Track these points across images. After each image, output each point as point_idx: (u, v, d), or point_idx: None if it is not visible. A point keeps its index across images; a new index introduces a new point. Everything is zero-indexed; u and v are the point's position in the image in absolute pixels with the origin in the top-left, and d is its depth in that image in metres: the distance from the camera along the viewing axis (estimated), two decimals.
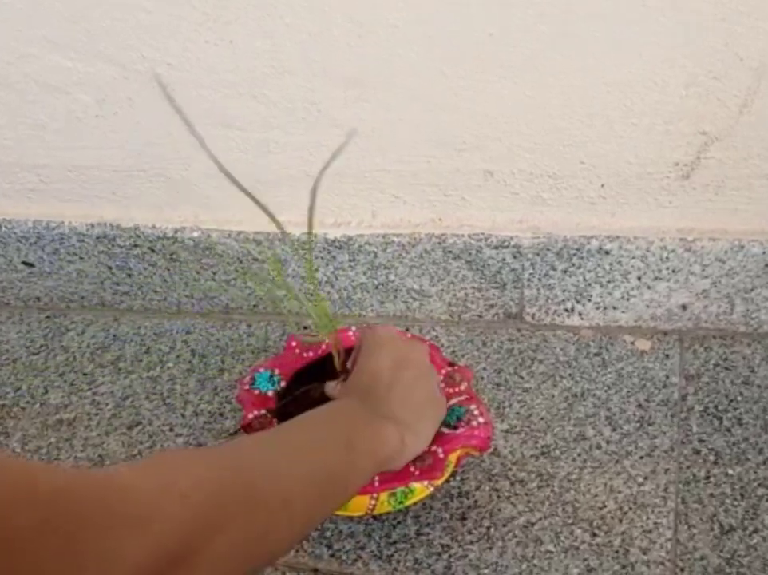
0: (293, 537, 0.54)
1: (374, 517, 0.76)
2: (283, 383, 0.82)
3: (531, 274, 0.94)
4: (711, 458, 0.79)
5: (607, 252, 0.91)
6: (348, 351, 0.79)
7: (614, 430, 0.83)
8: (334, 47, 0.86)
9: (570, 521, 0.75)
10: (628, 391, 0.88)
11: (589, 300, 0.95)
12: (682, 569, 0.70)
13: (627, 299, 0.94)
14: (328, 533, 0.76)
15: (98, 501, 0.39)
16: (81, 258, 1.05)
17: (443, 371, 0.81)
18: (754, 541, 0.72)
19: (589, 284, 0.93)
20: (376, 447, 0.64)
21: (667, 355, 0.92)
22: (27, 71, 0.94)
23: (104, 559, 0.38)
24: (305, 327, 1.01)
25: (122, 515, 0.39)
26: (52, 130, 0.98)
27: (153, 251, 1.02)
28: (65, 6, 0.88)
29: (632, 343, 0.94)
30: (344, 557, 0.74)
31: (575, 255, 0.92)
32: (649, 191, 0.89)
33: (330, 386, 0.76)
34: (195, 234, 1.00)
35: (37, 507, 0.36)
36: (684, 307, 0.93)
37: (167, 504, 0.42)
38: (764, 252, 0.88)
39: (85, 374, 0.98)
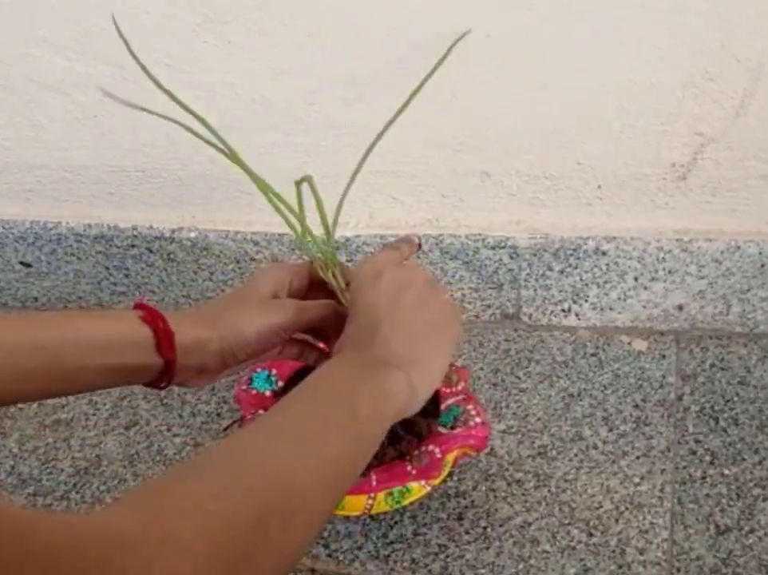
0: (310, 538, 0.50)
1: (372, 517, 0.76)
2: (280, 383, 0.82)
3: (528, 274, 0.94)
4: (707, 458, 0.80)
5: (603, 253, 0.91)
6: None
7: (610, 430, 0.84)
8: (332, 48, 0.86)
9: (567, 521, 0.75)
10: (625, 391, 0.88)
11: (586, 301, 0.95)
12: (678, 569, 0.70)
13: (624, 300, 0.94)
14: (325, 533, 0.76)
15: (100, 559, 0.37)
16: (79, 258, 1.05)
17: None
18: (750, 541, 0.72)
19: (586, 285, 0.94)
20: (382, 406, 0.57)
21: (664, 356, 0.92)
22: (25, 71, 0.94)
23: None
24: None
25: (124, 571, 0.37)
26: (50, 131, 0.98)
27: (151, 251, 1.03)
28: (64, 7, 0.88)
29: (629, 343, 0.94)
30: (341, 557, 0.74)
31: (572, 255, 0.92)
32: (646, 192, 0.89)
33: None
34: (193, 234, 1.00)
35: (35, 566, 0.34)
36: (681, 308, 0.93)
37: (169, 557, 0.39)
38: (760, 253, 0.88)
39: None
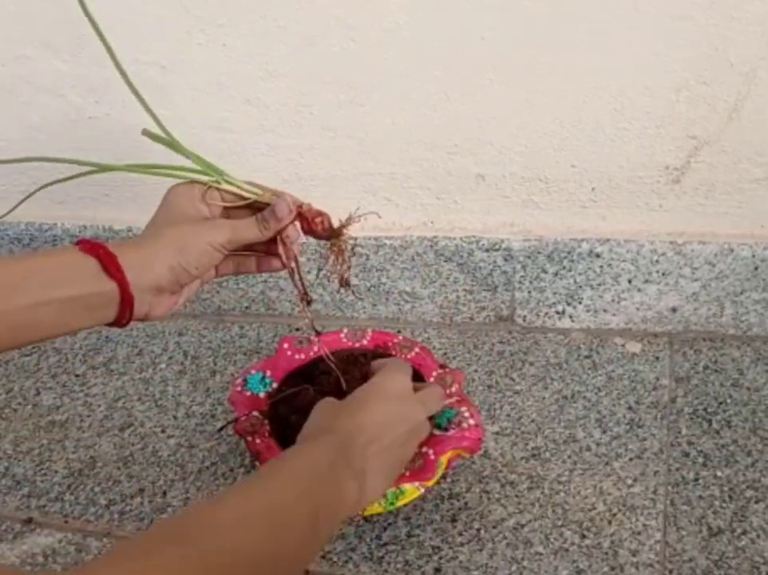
0: None
1: (365, 519, 0.77)
2: (274, 385, 0.83)
3: (522, 276, 0.95)
4: (700, 460, 0.80)
5: (597, 255, 0.91)
6: (338, 355, 0.80)
7: (604, 432, 0.84)
8: (327, 50, 0.86)
9: (560, 522, 0.75)
10: (618, 394, 0.88)
11: (580, 303, 0.95)
12: (671, 571, 0.70)
13: (618, 302, 0.94)
14: None
15: None
16: None
17: (434, 374, 0.82)
18: (743, 542, 0.72)
19: (580, 287, 0.94)
20: (337, 512, 0.60)
21: (657, 358, 0.92)
22: (21, 73, 0.94)
23: None
24: (297, 329, 1.01)
25: None
26: (45, 132, 0.98)
27: None
28: (59, 9, 0.88)
29: (623, 345, 0.95)
30: (335, 559, 0.74)
31: (565, 258, 0.92)
32: (639, 194, 0.89)
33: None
34: None
35: None
36: (674, 310, 0.93)
37: None
38: (753, 256, 0.88)
39: (77, 376, 0.99)
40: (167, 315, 0.68)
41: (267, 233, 0.68)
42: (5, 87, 0.95)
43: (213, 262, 0.68)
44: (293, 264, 0.71)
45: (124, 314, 0.63)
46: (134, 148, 0.97)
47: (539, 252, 0.93)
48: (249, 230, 0.68)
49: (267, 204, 0.69)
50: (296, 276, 0.72)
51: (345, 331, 0.87)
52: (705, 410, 0.85)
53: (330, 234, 0.71)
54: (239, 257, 0.72)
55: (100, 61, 0.91)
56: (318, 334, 0.80)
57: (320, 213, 0.70)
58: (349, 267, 0.73)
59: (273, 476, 0.58)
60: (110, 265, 0.61)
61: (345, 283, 0.73)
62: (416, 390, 0.73)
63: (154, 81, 0.91)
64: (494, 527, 0.75)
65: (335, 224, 0.71)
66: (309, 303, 0.73)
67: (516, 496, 0.78)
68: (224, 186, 0.69)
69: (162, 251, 0.65)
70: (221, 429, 0.87)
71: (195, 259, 0.66)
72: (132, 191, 1.01)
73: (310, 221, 0.69)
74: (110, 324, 0.64)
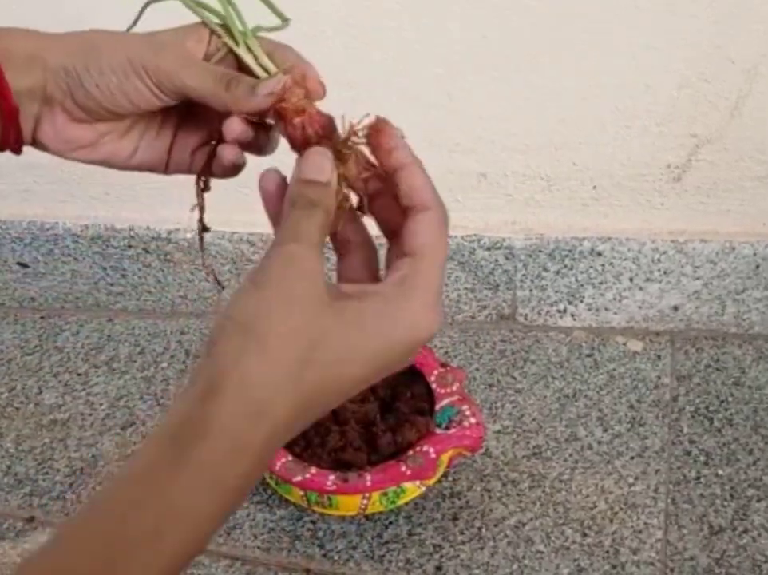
0: None
1: (366, 517, 0.77)
2: None
3: (523, 275, 0.95)
4: (702, 458, 0.80)
5: (599, 254, 0.91)
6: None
7: (605, 430, 0.84)
8: (328, 48, 0.86)
9: (561, 521, 0.75)
10: (620, 392, 0.88)
11: (581, 301, 0.95)
12: (671, 570, 0.70)
13: (619, 301, 0.94)
14: (320, 533, 0.76)
15: None
16: (76, 259, 1.05)
17: (435, 372, 0.82)
18: (744, 541, 0.72)
19: (581, 285, 0.94)
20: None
21: (659, 356, 0.92)
22: None
23: None
24: None
25: None
26: None
27: (147, 251, 1.03)
28: (59, 9, 0.88)
29: (624, 344, 0.95)
30: (336, 557, 0.74)
31: (567, 256, 0.92)
32: (641, 193, 0.89)
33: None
34: (189, 235, 1.00)
35: None
36: (676, 309, 0.93)
37: None
38: (755, 254, 0.88)
39: (79, 375, 0.99)
40: (73, 157, 0.48)
41: (225, 98, 0.45)
42: None
43: (132, 95, 0.46)
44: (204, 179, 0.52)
45: (7, 130, 0.45)
46: None
47: (540, 251, 0.93)
48: (205, 79, 0.45)
49: None
50: (200, 197, 0.52)
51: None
52: (706, 408, 0.85)
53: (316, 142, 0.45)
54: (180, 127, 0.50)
55: None
56: (221, 287, 0.60)
57: (319, 115, 0.48)
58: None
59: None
60: None
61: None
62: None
63: None
64: (495, 525, 0.75)
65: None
66: (203, 230, 0.53)
67: (518, 494, 0.78)
68: (239, 50, 0.48)
69: (63, 44, 0.48)
70: None
71: (102, 68, 0.46)
72: (132, 190, 1.01)
73: (288, 120, 0.46)
74: None
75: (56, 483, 0.84)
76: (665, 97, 0.83)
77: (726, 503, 0.75)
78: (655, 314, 0.94)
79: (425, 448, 0.73)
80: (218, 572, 0.74)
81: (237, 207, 0.99)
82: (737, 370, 0.89)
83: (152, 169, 0.52)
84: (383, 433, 0.76)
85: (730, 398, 0.86)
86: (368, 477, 0.72)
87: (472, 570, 0.72)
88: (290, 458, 0.75)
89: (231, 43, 0.49)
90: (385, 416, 0.79)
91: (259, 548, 0.75)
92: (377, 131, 0.44)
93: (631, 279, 0.92)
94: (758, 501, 0.75)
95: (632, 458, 0.80)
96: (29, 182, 1.03)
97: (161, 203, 1.01)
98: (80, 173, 1.01)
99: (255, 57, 0.48)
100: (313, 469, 0.73)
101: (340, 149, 0.44)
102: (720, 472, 0.78)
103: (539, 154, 0.89)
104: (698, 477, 0.78)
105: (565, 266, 0.93)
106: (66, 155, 0.48)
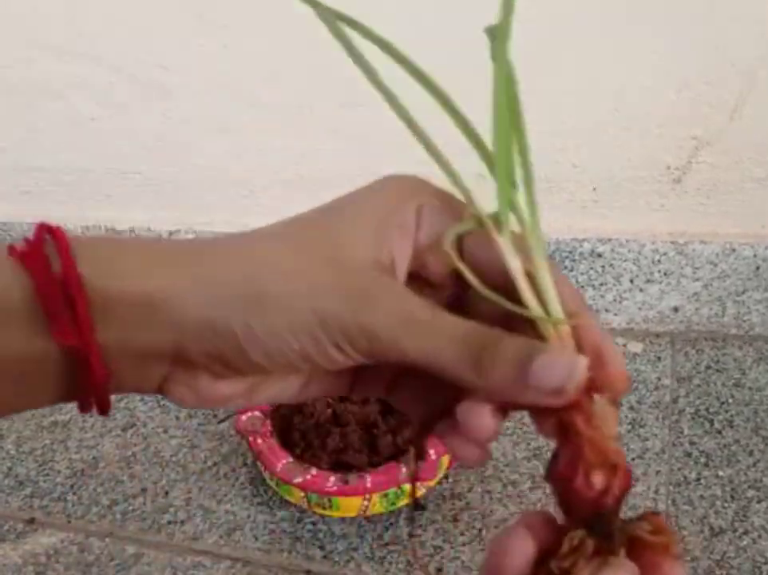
0: None
1: (367, 519, 0.77)
2: None
3: None
4: (702, 460, 0.80)
5: (599, 255, 0.91)
6: None
7: None
8: (329, 51, 0.86)
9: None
10: None
11: None
12: None
13: (619, 302, 0.94)
14: (321, 535, 0.76)
15: None
16: None
17: None
18: (744, 542, 0.72)
19: (581, 287, 0.94)
20: None
21: (659, 358, 0.92)
22: (23, 75, 0.94)
23: None
24: None
25: None
26: (47, 133, 0.98)
27: None
28: (61, 10, 0.88)
29: (624, 345, 0.95)
30: (336, 559, 0.74)
31: (567, 257, 0.92)
32: (641, 194, 0.89)
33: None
34: (190, 236, 1.00)
35: None
36: (676, 310, 0.93)
37: None
38: (755, 255, 0.88)
39: None
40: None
41: (472, 380, 0.30)
42: (7, 89, 0.95)
43: (317, 358, 0.31)
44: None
45: (87, 396, 0.31)
46: (136, 149, 0.98)
47: None
48: (439, 349, 0.30)
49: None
50: (413, 466, 0.39)
51: None
52: (707, 410, 0.85)
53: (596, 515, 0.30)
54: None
55: (101, 62, 0.92)
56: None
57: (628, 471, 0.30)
58: None
59: None
60: (58, 311, 0.29)
61: None
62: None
63: (155, 81, 0.91)
64: (496, 527, 0.75)
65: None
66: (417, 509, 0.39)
67: (518, 496, 0.78)
68: (500, 240, 0.31)
69: (202, 284, 0.31)
70: (222, 421, 0.87)
71: (275, 329, 0.30)
72: (133, 191, 1.01)
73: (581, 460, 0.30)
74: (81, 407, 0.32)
75: (56, 485, 0.84)
76: (665, 99, 0.83)
77: (726, 505, 0.75)
78: (655, 315, 0.94)
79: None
80: (218, 573, 0.74)
81: (238, 208, 0.99)
82: (737, 372, 0.89)
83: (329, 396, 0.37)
84: (384, 434, 0.77)
85: (730, 400, 0.86)
86: (368, 478, 0.72)
87: (472, 572, 0.72)
88: (290, 459, 0.75)
89: (494, 233, 0.31)
90: (386, 417, 0.79)
91: (259, 549, 0.75)
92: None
93: (631, 281, 0.92)
94: (759, 502, 0.75)
95: (632, 459, 0.80)
96: (30, 184, 1.03)
97: (162, 204, 1.01)
98: (80, 175, 1.01)
99: (531, 276, 0.29)
100: (313, 471, 0.73)
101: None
102: (720, 473, 0.78)
103: (538, 155, 0.88)
104: (698, 479, 0.78)
105: (565, 267, 0.93)
106: (208, 407, 0.34)
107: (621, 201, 0.90)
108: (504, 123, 0.30)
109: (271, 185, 0.96)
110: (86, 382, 0.30)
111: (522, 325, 0.30)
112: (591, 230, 0.92)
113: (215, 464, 0.85)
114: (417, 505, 0.38)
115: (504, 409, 0.30)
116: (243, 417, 0.78)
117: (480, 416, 0.30)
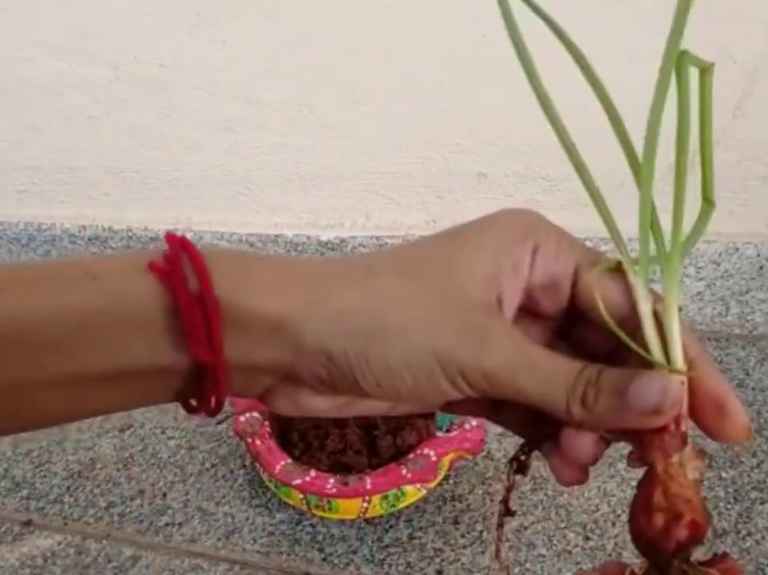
0: None
1: (367, 521, 0.76)
2: None
3: None
4: (705, 461, 0.79)
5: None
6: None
7: None
8: (328, 49, 0.85)
9: (563, 524, 0.74)
10: None
11: None
12: None
13: None
14: (320, 537, 0.75)
15: None
16: None
17: None
18: (747, 544, 0.71)
19: None
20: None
21: None
22: (21, 74, 0.93)
23: None
24: None
25: None
26: (45, 132, 0.97)
27: None
28: (60, 9, 0.88)
29: None
30: (336, 561, 0.73)
31: None
32: None
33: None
34: (188, 235, 1.00)
35: None
36: (679, 309, 0.93)
37: None
38: (758, 255, 0.88)
39: None
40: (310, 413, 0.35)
41: (578, 416, 0.32)
42: (5, 87, 0.95)
43: (429, 396, 0.33)
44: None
45: (209, 400, 0.33)
46: (134, 148, 0.97)
47: None
48: (550, 389, 0.32)
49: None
50: (510, 478, 0.37)
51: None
52: None
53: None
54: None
55: (99, 60, 0.91)
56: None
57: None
58: None
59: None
60: (196, 328, 0.31)
61: None
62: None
63: (154, 79, 0.90)
64: (497, 529, 0.75)
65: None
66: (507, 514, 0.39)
67: (519, 497, 0.77)
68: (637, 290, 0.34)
69: (327, 315, 0.32)
70: (220, 423, 0.87)
71: (392, 365, 0.32)
72: (130, 190, 1.00)
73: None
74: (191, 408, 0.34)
75: (53, 486, 0.83)
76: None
77: (729, 506, 0.75)
78: None
79: (425, 451, 0.73)
80: None
81: (236, 208, 0.99)
82: (741, 372, 0.89)
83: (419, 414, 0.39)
84: (383, 436, 0.76)
85: None
86: (368, 480, 0.71)
87: (473, 574, 0.71)
88: (289, 460, 0.74)
89: (630, 275, 0.33)
90: (386, 419, 0.78)
91: (258, 552, 0.75)
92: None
93: None
94: (762, 504, 0.75)
95: None
96: (27, 183, 1.03)
97: (159, 203, 1.01)
98: (78, 174, 1.01)
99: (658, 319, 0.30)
100: (313, 473, 0.73)
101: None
102: (723, 474, 0.78)
103: (539, 154, 0.88)
104: (701, 480, 0.77)
105: None
106: (303, 415, 0.36)
107: (622, 200, 0.89)
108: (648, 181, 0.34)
109: (270, 184, 0.96)
110: (209, 390, 0.32)
111: (628, 359, 0.33)
112: (593, 229, 0.91)
113: (213, 465, 0.84)
114: (507, 511, 0.38)
115: (606, 437, 0.33)
116: (242, 418, 0.78)
117: (584, 444, 0.33)
